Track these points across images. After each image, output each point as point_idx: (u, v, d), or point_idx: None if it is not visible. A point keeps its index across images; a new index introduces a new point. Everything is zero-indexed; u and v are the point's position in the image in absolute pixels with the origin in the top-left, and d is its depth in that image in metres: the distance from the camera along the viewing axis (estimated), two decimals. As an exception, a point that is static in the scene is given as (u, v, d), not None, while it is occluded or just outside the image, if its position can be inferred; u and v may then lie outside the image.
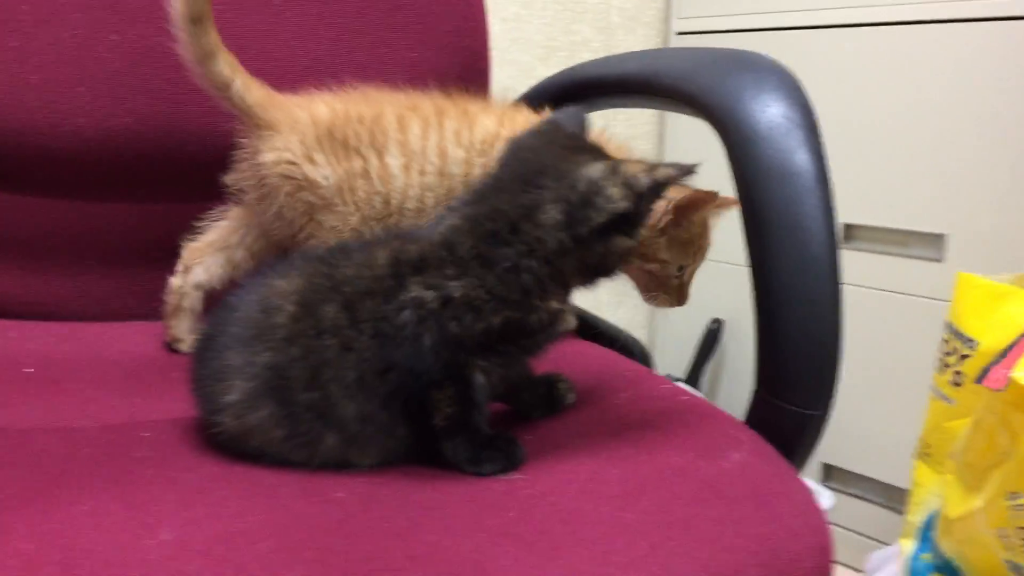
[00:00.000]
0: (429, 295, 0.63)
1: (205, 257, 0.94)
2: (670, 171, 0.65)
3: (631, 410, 0.74)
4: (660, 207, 0.85)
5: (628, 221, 0.66)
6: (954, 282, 1.28)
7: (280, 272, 0.68)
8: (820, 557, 0.60)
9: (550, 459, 0.67)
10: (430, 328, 0.63)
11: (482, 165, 0.86)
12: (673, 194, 0.85)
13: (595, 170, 0.65)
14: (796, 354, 0.68)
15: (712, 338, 1.80)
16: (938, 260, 1.51)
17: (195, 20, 0.82)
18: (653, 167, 0.65)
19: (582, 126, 0.74)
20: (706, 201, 0.84)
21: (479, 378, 0.65)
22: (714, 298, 1.77)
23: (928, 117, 1.51)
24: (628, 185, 0.65)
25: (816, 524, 0.62)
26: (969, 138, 1.46)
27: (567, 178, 0.65)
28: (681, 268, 0.88)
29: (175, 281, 0.95)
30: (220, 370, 0.66)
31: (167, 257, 0.97)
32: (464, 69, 1.10)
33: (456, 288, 0.64)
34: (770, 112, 0.71)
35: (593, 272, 0.68)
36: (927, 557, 1.35)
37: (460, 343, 0.64)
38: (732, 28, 1.75)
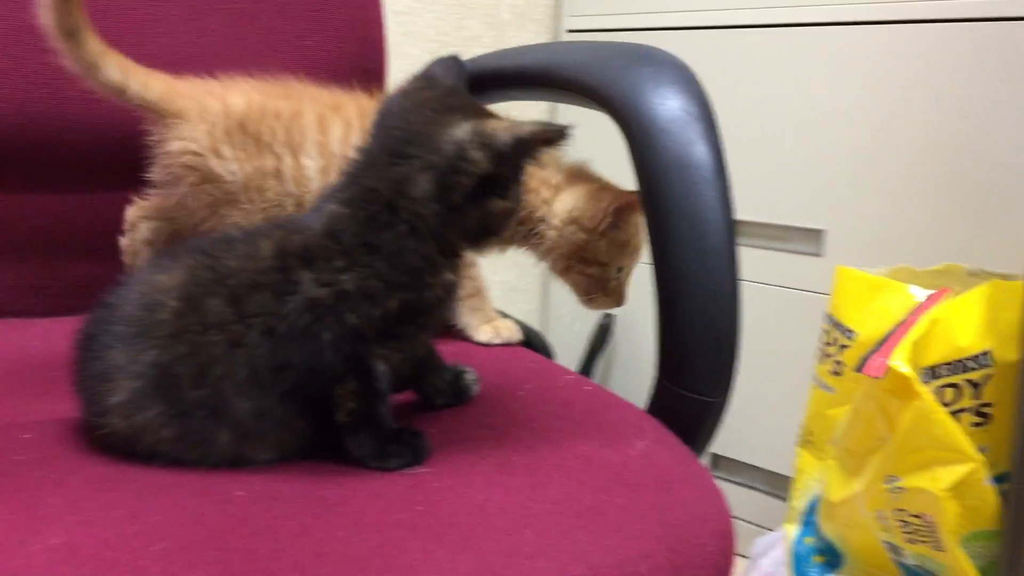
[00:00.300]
0: (324, 292, 0.62)
1: (151, 218, 0.89)
2: (533, 128, 0.62)
3: (536, 401, 0.74)
4: (599, 211, 0.86)
5: (498, 182, 0.64)
6: (833, 275, 1.34)
7: (160, 266, 0.65)
8: (723, 540, 0.61)
9: (456, 452, 0.66)
10: (328, 324, 0.62)
11: None
12: (612, 198, 0.85)
13: (461, 131, 0.63)
14: (696, 342, 0.70)
15: (604, 333, 1.82)
16: (818, 255, 1.57)
17: (70, 34, 0.77)
18: (515, 125, 0.63)
19: (459, 75, 0.71)
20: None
21: (381, 366, 0.64)
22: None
23: (808, 117, 1.56)
24: (487, 146, 0.62)
25: (718, 508, 0.63)
26: (846, 138, 1.52)
27: (433, 143, 0.63)
28: (620, 269, 0.88)
29: (123, 241, 0.90)
30: (105, 370, 0.63)
31: (44, 251, 0.92)
32: (360, 59, 1.08)
33: (349, 281, 0.62)
34: (669, 105, 0.72)
35: (477, 236, 0.67)
36: (810, 541, 1.40)
37: (359, 334, 0.63)
38: (622, 27, 1.77)
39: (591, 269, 0.87)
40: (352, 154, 0.67)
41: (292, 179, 0.82)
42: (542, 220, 0.87)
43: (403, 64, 1.70)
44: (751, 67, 1.61)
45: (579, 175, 0.90)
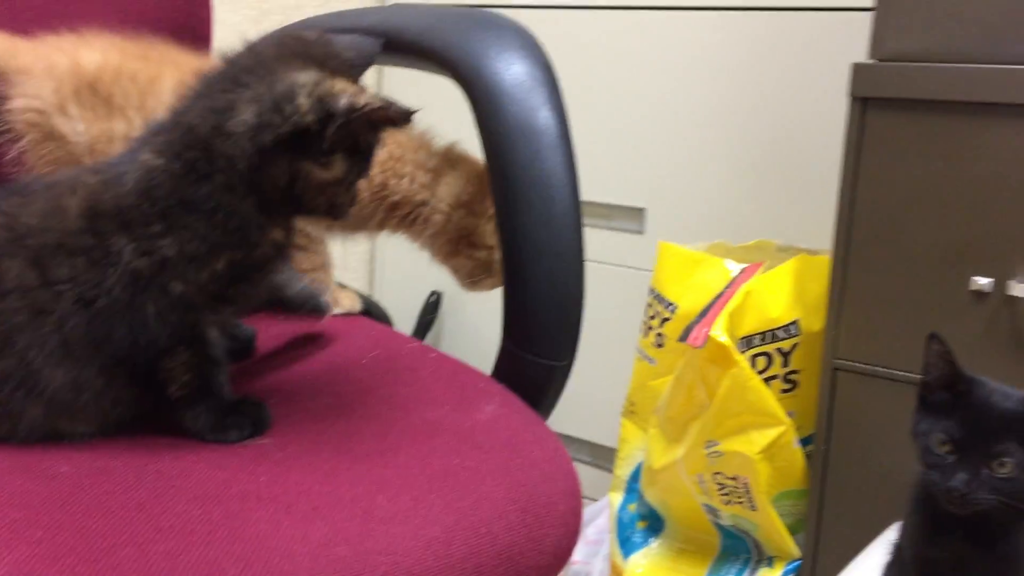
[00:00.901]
0: (144, 262, 0.57)
1: None
2: (375, 102, 0.58)
3: (381, 369, 0.73)
4: (489, 194, 0.83)
5: (317, 144, 0.58)
6: (655, 251, 1.38)
7: None
8: (572, 499, 0.62)
9: (300, 421, 0.64)
10: (152, 296, 0.58)
11: None
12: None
13: (305, 76, 0.58)
14: (543, 306, 0.70)
15: (431, 310, 1.81)
16: (639, 232, 1.62)
17: None
18: (361, 92, 0.59)
19: (361, 54, 0.66)
20: None
21: (213, 333, 0.61)
22: (432, 270, 1.78)
23: (629, 100, 1.61)
24: (322, 101, 0.58)
25: (566, 468, 0.64)
26: (665, 120, 1.58)
27: (271, 78, 0.58)
28: None
29: None
30: None
31: None
32: (183, 16, 1.01)
33: (169, 246, 0.57)
34: (514, 70, 0.72)
35: (287, 203, 0.60)
36: (633, 507, 1.45)
37: (187, 302, 0.59)
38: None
39: (479, 253, 0.86)
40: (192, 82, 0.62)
41: None
42: (424, 204, 0.85)
43: (223, 31, 1.62)
44: (573, 48, 1.64)
45: (456, 157, 0.88)
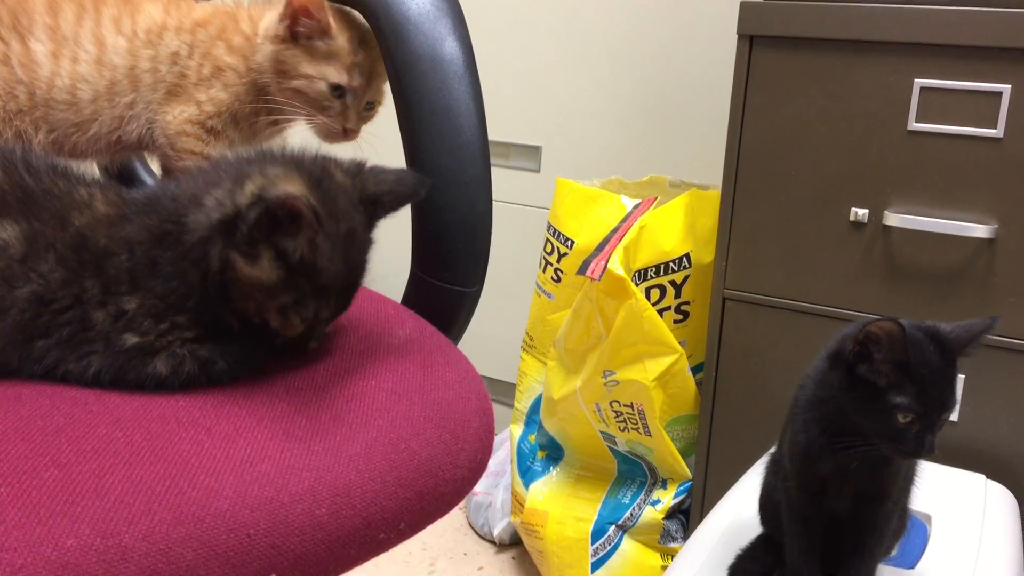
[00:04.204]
0: (100, 315, 0.57)
1: None
2: (298, 195, 0.55)
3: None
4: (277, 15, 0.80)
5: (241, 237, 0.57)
6: (552, 188, 1.41)
7: None
8: (485, 417, 0.65)
9: (214, 347, 0.64)
10: (99, 346, 0.57)
11: (150, 58, 0.78)
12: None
13: (273, 169, 0.59)
14: (452, 234, 0.72)
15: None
16: (536, 171, 1.65)
17: None
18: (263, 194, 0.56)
19: (408, 189, 0.64)
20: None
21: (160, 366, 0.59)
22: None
23: (524, 40, 1.62)
24: (262, 190, 0.56)
25: (479, 389, 0.67)
26: (559, 59, 1.60)
27: (247, 170, 0.59)
28: (339, 92, 0.81)
29: None
30: None
31: None
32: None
33: (129, 301, 0.58)
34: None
35: (224, 294, 0.58)
36: (533, 439, 1.50)
37: (143, 350, 0.58)
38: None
39: (295, 82, 0.80)
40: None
41: (20, 64, 0.75)
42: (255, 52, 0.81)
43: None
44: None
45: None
